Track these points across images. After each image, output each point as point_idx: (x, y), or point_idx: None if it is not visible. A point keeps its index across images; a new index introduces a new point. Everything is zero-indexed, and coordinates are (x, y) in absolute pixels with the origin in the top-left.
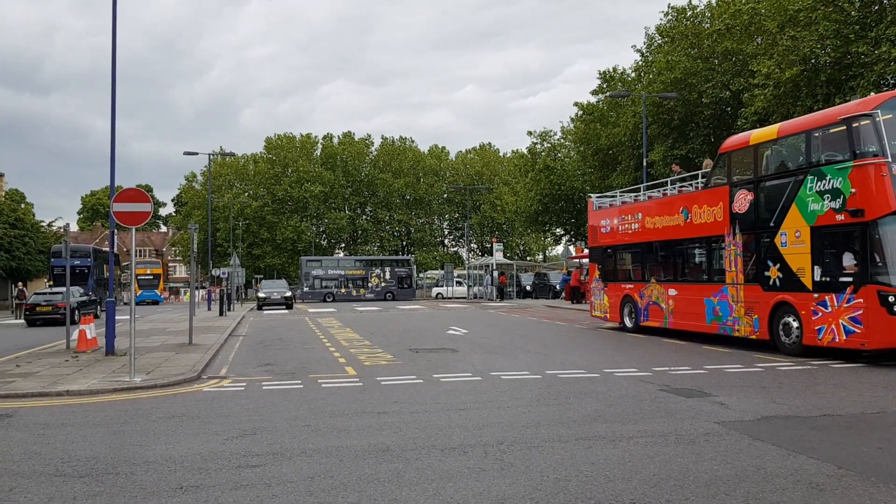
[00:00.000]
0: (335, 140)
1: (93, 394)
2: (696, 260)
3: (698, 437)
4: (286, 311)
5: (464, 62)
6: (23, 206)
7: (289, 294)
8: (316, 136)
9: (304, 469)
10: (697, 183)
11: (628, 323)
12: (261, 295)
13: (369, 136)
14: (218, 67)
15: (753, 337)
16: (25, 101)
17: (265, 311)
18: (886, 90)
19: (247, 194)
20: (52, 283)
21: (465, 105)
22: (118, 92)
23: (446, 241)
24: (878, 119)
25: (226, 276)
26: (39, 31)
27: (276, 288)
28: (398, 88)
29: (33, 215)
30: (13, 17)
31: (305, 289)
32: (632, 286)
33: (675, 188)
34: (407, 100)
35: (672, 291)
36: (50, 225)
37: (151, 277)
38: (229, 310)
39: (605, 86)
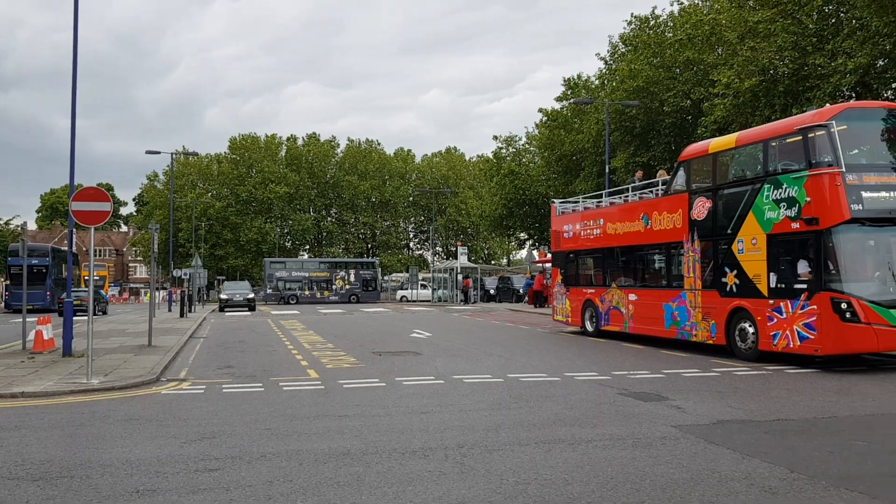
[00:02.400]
0: (300, 141)
1: (49, 395)
2: (656, 266)
3: (655, 441)
4: (248, 313)
5: (429, 66)
6: None
7: (251, 296)
8: (281, 137)
9: (263, 473)
10: (658, 190)
11: (589, 327)
12: (223, 296)
13: (335, 137)
14: (182, 67)
15: (710, 342)
16: None
17: (227, 313)
18: (842, 101)
19: (210, 194)
20: (9, 282)
21: (431, 109)
22: (80, 89)
23: (412, 244)
24: (832, 130)
25: (187, 277)
26: (1, 27)
27: (238, 289)
28: (364, 91)
29: None
30: None
31: (269, 290)
32: (593, 291)
33: (636, 195)
34: (373, 103)
35: (632, 296)
36: (7, 223)
37: (98, 279)
38: (190, 311)
39: (569, 92)
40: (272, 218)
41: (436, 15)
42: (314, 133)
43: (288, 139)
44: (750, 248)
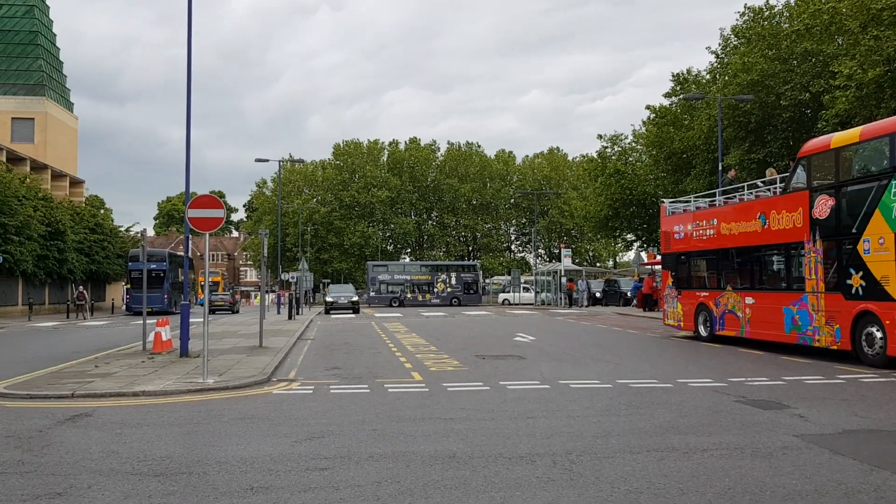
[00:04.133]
0: (401, 146)
1: (167, 394)
2: (774, 267)
3: (776, 451)
4: (353, 316)
5: (528, 67)
6: (102, 211)
7: (355, 298)
8: (382, 143)
9: (370, 473)
10: (776, 188)
11: (703, 332)
12: (328, 299)
13: (435, 141)
14: (286, 77)
15: (835, 347)
16: (103, 110)
17: (333, 315)
18: None
19: (315, 200)
20: (129, 286)
21: (531, 110)
22: (192, 101)
23: (513, 246)
24: None
25: (294, 280)
26: (118, 45)
27: (343, 292)
28: (463, 94)
29: (112, 221)
30: (95, 32)
31: (372, 293)
32: (707, 294)
33: (751, 193)
34: (472, 105)
35: (749, 300)
36: (128, 230)
37: (213, 285)
38: (298, 313)
39: (678, 88)
40: (374, 222)
41: (534, 14)
42: (415, 137)
43: (390, 144)
44: (877, 247)
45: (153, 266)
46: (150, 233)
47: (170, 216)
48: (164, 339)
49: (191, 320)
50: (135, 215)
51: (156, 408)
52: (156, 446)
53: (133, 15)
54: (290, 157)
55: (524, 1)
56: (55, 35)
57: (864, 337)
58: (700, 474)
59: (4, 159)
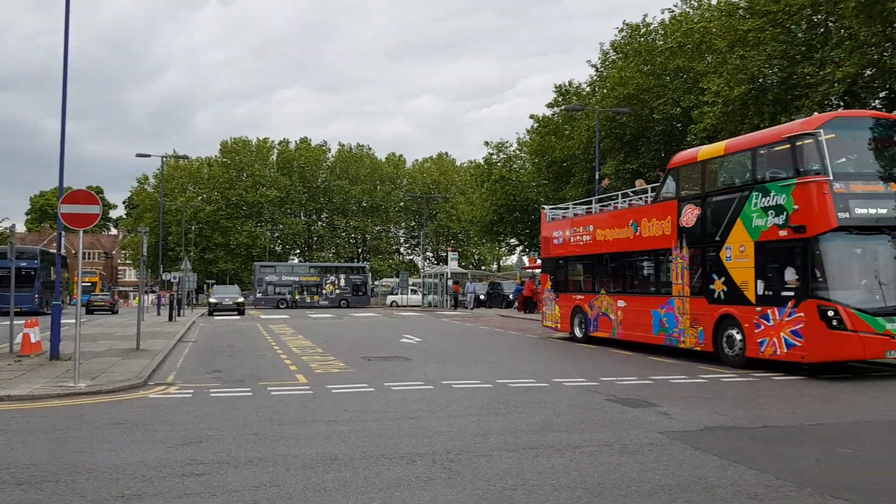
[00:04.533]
0: (292, 145)
1: (35, 399)
2: (645, 272)
3: (642, 447)
4: (238, 317)
5: (420, 72)
6: None
7: (241, 300)
8: (272, 142)
9: (249, 478)
10: (647, 197)
11: (578, 333)
12: (212, 300)
13: (326, 142)
14: (172, 70)
15: (698, 349)
16: None
17: (216, 317)
18: (830, 110)
19: (200, 198)
20: None
21: (422, 115)
22: (70, 92)
23: (402, 248)
24: (820, 138)
25: (176, 280)
26: None
27: (227, 293)
28: (355, 96)
29: None
30: None
31: (258, 295)
32: (582, 297)
33: (625, 202)
34: (363, 108)
35: (621, 303)
36: None
37: (89, 285)
38: (179, 315)
39: (560, 99)
40: (263, 222)
41: (425, 21)
42: (305, 137)
43: (280, 143)
44: (738, 255)
45: (23, 264)
46: (21, 229)
47: (43, 212)
48: (32, 340)
49: (63, 321)
50: (4, 210)
51: (22, 413)
52: (21, 453)
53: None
54: (175, 152)
55: (416, 7)
56: None
57: (725, 339)
58: (572, 470)
59: None
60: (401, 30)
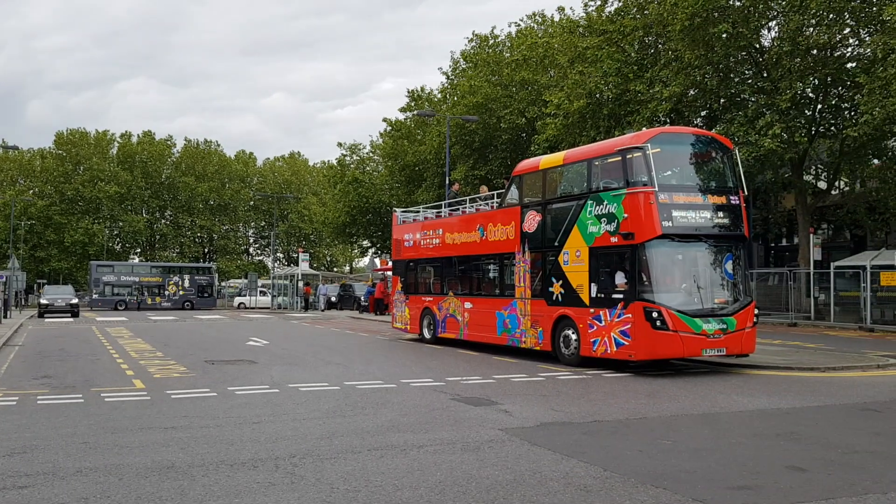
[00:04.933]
0: (134, 139)
1: None
2: (490, 275)
3: (483, 444)
4: (71, 320)
5: (271, 69)
6: None
7: (75, 301)
8: (113, 134)
9: (78, 489)
10: (493, 203)
11: (427, 334)
12: (43, 301)
13: (171, 137)
14: (3, 55)
15: (538, 348)
16: None
17: (47, 319)
18: (658, 126)
19: (32, 192)
20: None
21: (274, 113)
22: None
23: (251, 249)
24: (648, 152)
25: (3, 280)
26: None
27: (60, 294)
28: (203, 91)
29: None
30: None
31: (95, 296)
32: (431, 299)
33: (473, 207)
34: (212, 103)
35: (468, 304)
36: None
37: None
38: (6, 317)
39: (413, 104)
40: (101, 219)
41: (278, 18)
42: (149, 131)
43: (121, 136)
44: (574, 259)
45: None
46: None
47: None
48: None
49: None
50: None
51: None
52: None
53: None
54: (3, 142)
55: (268, 4)
56: None
57: (562, 339)
58: (415, 469)
59: None
60: (253, 26)
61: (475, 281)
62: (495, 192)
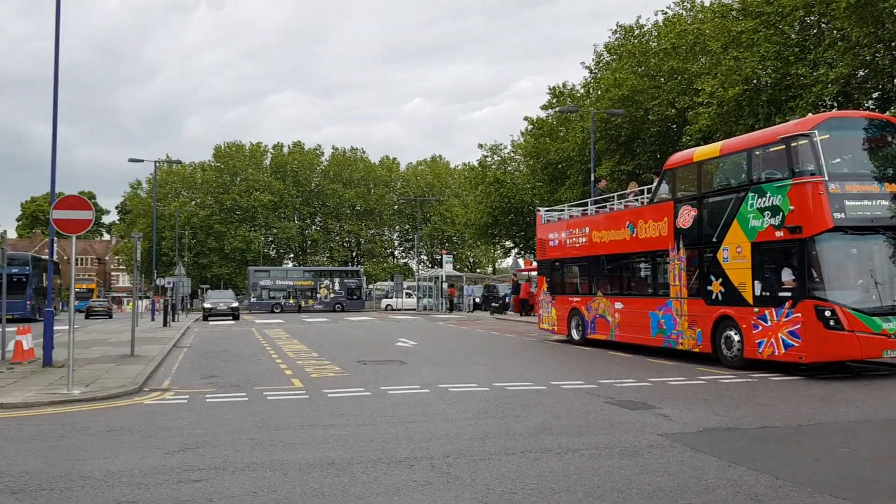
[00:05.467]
0: (285, 149)
1: (28, 406)
2: (642, 274)
3: (642, 449)
4: (233, 322)
5: (411, 76)
6: None
7: (235, 304)
8: (266, 146)
9: (246, 483)
10: (643, 198)
11: (575, 335)
12: (207, 305)
13: (319, 146)
14: (163, 75)
15: (696, 350)
16: None
17: (211, 322)
18: (824, 111)
19: (194, 203)
20: None
21: (414, 118)
22: (60, 97)
23: (396, 252)
24: (815, 139)
25: (171, 285)
26: None
27: (222, 298)
28: (346, 100)
29: None
30: None
31: (253, 299)
32: (579, 299)
33: (621, 203)
34: (355, 111)
35: (618, 305)
36: None
37: (86, 291)
38: (173, 321)
39: (554, 101)
40: (256, 226)
41: (415, 24)
42: (299, 141)
43: (273, 147)
44: (735, 256)
45: (14, 270)
46: (13, 235)
47: (34, 217)
48: (25, 347)
49: (56, 328)
50: None
51: (15, 421)
52: (14, 462)
53: None
54: (168, 157)
55: (405, 11)
56: None
57: (723, 340)
58: (571, 474)
59: None
60: (391, 33)
61: (626, 280)
62: (645, 188)
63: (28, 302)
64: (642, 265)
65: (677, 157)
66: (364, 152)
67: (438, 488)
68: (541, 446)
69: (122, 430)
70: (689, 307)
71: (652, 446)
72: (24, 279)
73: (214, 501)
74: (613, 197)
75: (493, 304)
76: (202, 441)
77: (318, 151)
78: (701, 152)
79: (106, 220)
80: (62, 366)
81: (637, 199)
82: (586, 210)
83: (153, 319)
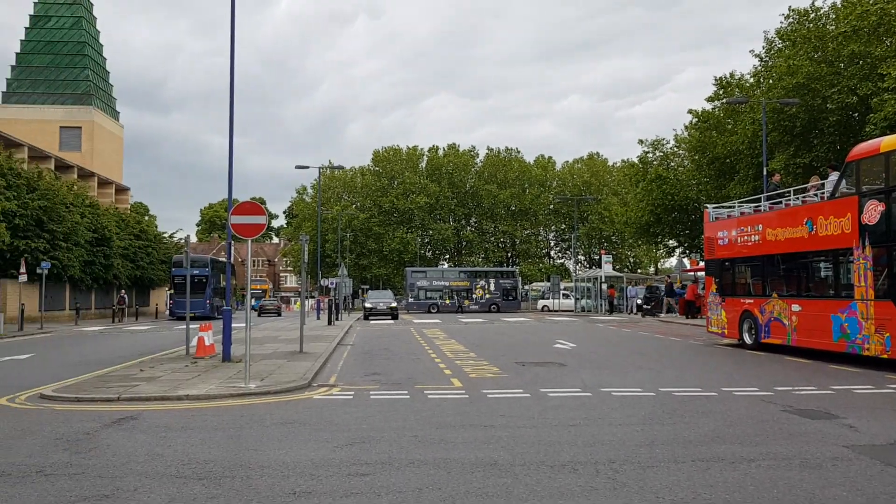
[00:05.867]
0: (440, 152)
1: (210, 399)
2: (822, 274)
3: (825, 462)
4: (391, 322)
5: (566, 72)
6: (146, 218)
7: (394, 304)
8: (422, 149)
9: (412, 480)
10: (822, 193)
11: (747, 339)
12: (367, 305)
13: (474, 147)
14: (325, 85)
15: (885, 356)
16: (148, 119)
17: (371, 321)
18: None
19: (354, 206)
20: (172, 291)
21: (569, 115)
22: (234, 109)
23: (552, 252)
24: None
25: (334, 286)
26: (162, 54)
27: (382, 298)
28: (500, 100)
29: (156, 227)
30: (139, 42)
31: (410, 299)
32: (751, 301)
33: (798, 199)
34: (509, 111)
35: (795, 307)
36: (171, 236)
37: (260, 292)
38: (337, 319)
39: (721, 92)
40: (413, 228)
41: (571, 20)
42: (454, 143)
43: (429, 150)
44: None
45: (196, 272)
46: (193, 239)
47: (212, 222)
48: (206, 343)
49: (232, 325)
50: (178, 222)
51: (199, 412)
52: (199, 450)
53: (173, 26)
54: (330, 163)
55: (561, 7)
56: (102, 45)
57: None
58: (747, 485)
59: (53, 167)
60: (545, 31)
61: (803, 281)
62: (825, 181)
63: (207, 301)
64: (822, 264)
65: (862, 147)
66: (519, 152)
67: (605, 494)
68: (712, 455)
69: (294, 423)
70: (877, 310)
71: (836, 458)
72: (205, 280)
73: (382, 496)
74: (789, 192)
75: (644, 307)
76: (368, 436)
77: (472, 153)
78: (889, 142)
79: (274, 224)
80: (239, 361)
81: (815, 195)
82: (758, 206)
83: (318, 318)
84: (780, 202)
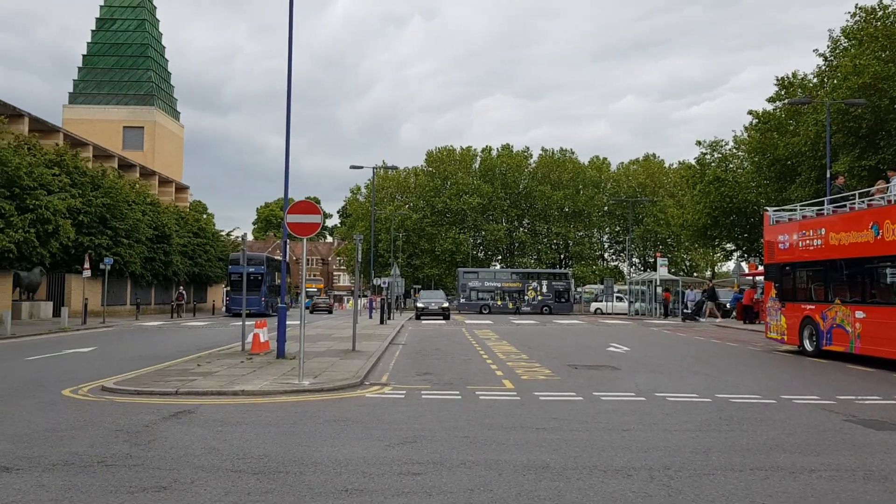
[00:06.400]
0: (494, 152)
1: (265, 394)
2: (888, 280)
3: (891, 474)
4: (443, 322)
5: (621, 73)
6: (204, 216)
7: (446, 305)
8: (475, 149)
9: (463, 480)
10: (889, 196)
11: (808, 346)
12: (419, 305)
13: (528, 148)
14: (380, 86)
15: None
16: (207, 119)
17: (423, 321)
18: None
19: (407, 206)
20: (229, 288)
21: (625, 116)
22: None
23: (606, 254)
24: None
25: (386, 285)
26: (221, 56)
27: (433, 298)
28: (555, 101)
29: (213, 225)
30: (199, 44)
31: (462, 300)
32: (813, 307)
33: (863, 202)
34: (563, 112)
35: (859, 314)
36: (228, 234)
37: (315, 290)
38: (389, 318)
39: (782, 92)
40: (466, 228)
41: (627, 20)
42: (507, 144)
43: (482, 151)
44: None
45: (252, 269)
46: (249, 237)
47: (268, 221)
48: (262, 340)
49: (287, 323)
50: (235, 220)
51: (254, 407)
52: (254, 445)
53: (232, 28)
54: (384, 163)
55: (617, 7)
56: (164, 47)
57: None
58: (808, 496)
59: (116, 165)
60: (602, 32)
61: (868, 286)
62: (890, 185)
63: (262, 298)
64: (889, 270)
65: None
66: (573, 153)
67: (659, 500)
68: (771, 464)
69: (346, 420)
70: None
71: None
72: (260, 277)
73: (433, 496)
74: (854, 195)
75: (685, 311)
76: (420, 436)
77: (526, 153)
78: None
79: (328, 223)
80: (293, 358)
81: (882, 198)
82: (821, 210)
83: (370, 317)
84: (845, 205)
